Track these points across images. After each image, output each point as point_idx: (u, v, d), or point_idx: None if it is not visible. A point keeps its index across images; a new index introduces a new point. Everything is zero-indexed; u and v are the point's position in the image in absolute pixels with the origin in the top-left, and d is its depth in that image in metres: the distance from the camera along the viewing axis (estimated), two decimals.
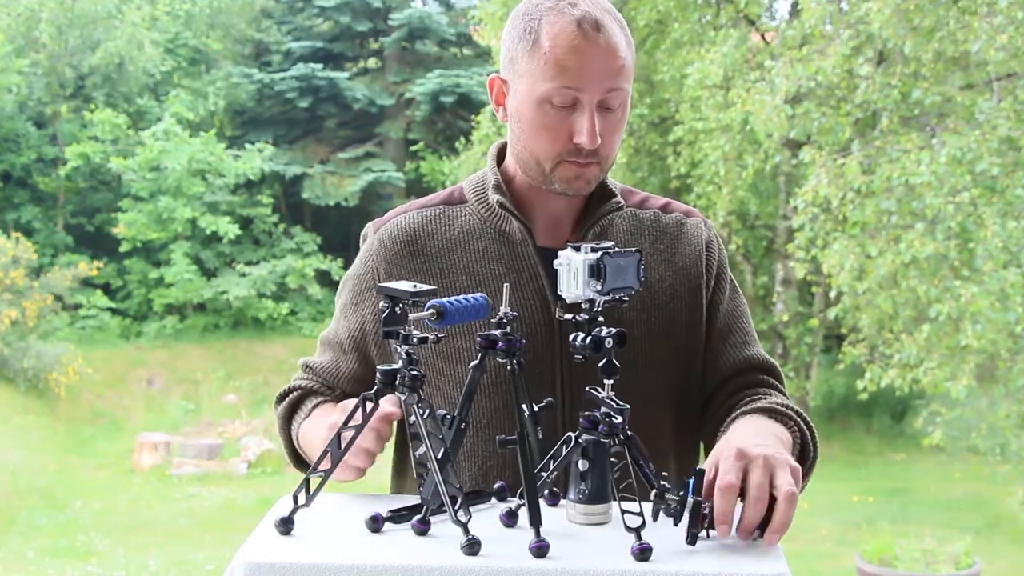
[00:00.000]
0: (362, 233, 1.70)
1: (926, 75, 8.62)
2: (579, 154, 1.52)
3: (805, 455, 1.56)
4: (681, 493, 1.25)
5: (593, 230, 1.61)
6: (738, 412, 1.56)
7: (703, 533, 1.23)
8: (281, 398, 1.72)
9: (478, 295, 1.28)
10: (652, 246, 1.64)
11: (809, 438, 1.56)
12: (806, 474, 1.55)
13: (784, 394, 1.65)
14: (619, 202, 1.64)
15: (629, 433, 1.26)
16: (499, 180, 1.62)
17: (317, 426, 1.55)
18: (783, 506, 1.24)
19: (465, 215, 1.64)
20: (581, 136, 1.49)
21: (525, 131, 1.55)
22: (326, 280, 18.02)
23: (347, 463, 1.37)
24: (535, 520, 1.17)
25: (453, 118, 19.03)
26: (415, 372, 1.24)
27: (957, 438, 9.95)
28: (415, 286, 1.24)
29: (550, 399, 1.36)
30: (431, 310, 1.23)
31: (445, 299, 1.24)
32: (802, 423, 1.57)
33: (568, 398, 1.54)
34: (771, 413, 1.54)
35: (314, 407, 1.65)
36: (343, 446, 1.29)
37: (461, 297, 1.26)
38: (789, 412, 1.56)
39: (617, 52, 1.49)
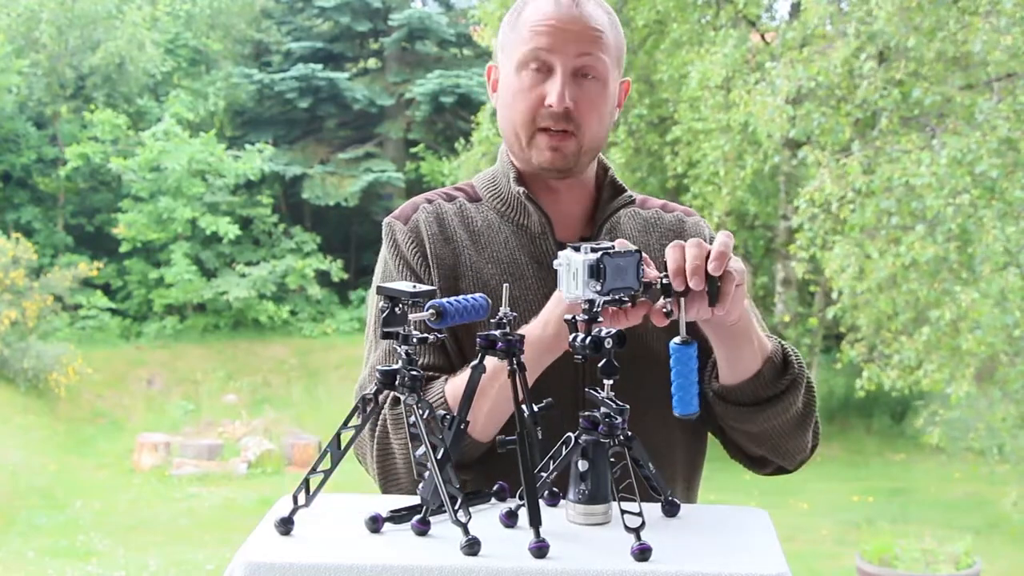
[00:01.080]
0: (385, 232, 1.64)
1: (926, 75, 8.62)
2: (551, 120, 1.55)
3: (788, 366, 1.56)
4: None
5: (605, 225, 1.64)
6: None
7: (701, 535, 1.23)
8: (395, 403, 1.52)
9: (477, 295, 1.28)
10: (659, 242, 1.67)
11: (792, 356, 1.57)
12: (790, 387, 1.55)
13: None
14: (631, 196, 1.67)
15: (629, 433, 1.26)
16: (519, 173, 1.64)
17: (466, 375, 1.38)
18: (720, 238, 1.36)
19: (482, 210, 1.66)
20: (551, 97, 1.53)
21: (506, 102, 1.59)
22: (326, 280, 18.02)
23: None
24: (535, 520, 1.17)
25: (453, 118, 19.03)
26: (415, 372, 1.24)
27: (957, 438, 9.96)
28: (415, 286, 1.24)
29: (550, 399, 1.36)
30: (431, 310, 1.23)
31: (444, 299, 1.24)
32: (785, 346, 1.58)
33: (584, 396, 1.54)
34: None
35: (444, 383, 1.52)
36: (343, 447, 1.29)
37: (460, 297, 1.26)
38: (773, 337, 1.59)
39: (591, 23, 1.55)
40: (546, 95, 1.54)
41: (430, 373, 1.56)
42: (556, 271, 1.57)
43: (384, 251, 1.66)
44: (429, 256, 1.60)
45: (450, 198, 1.68)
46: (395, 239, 1.64)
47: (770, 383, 1.54)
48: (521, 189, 1.61)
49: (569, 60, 1.54)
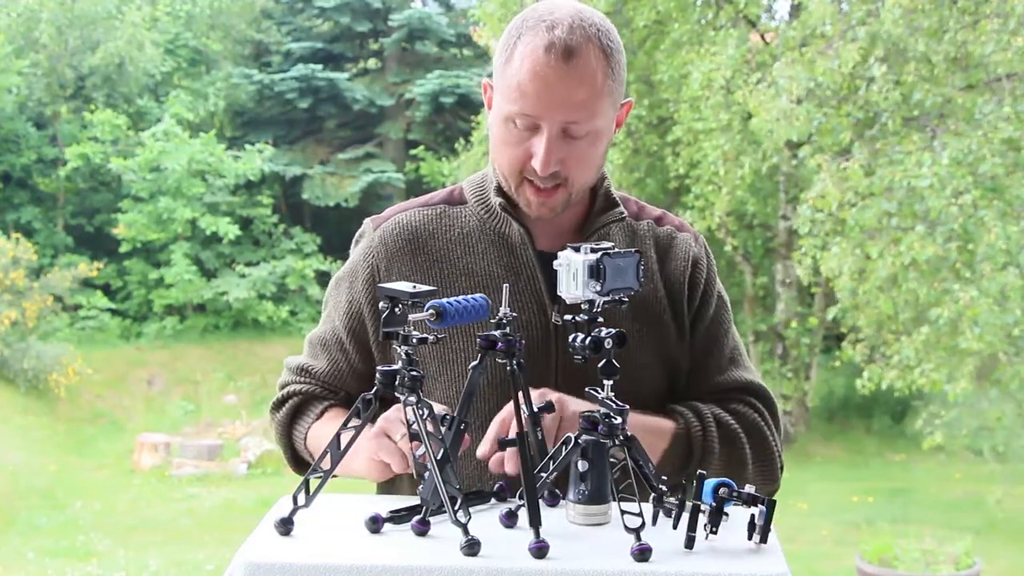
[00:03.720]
0: (360, 230, 1.68)
1: (929, 76, 8.61)
2: (537, 177, 1.51)
3: (692, 446, 1.56)
4: (680, 497, 1.25)
5: (593, 238, 1.61)
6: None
7: (702, 536, 1.23)
8: (279, 404, 1.71)
9: (477, 296, 1.28)
10: (645, 255, 1.64)
11: (700, 437, 1.56)
12: (703, 460, 1.56)
13: (763, 414, 1.65)
14: (622, 212, 1.64)
15: (628, 433, 1.26)
16: (500, 182, 1.62)
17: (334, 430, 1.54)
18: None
19: (465, 216, 1.64)
20: (536, 160, 1.49)
21: (494, 145, 1.56)
22: (326, 281, 17.85)
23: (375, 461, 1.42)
24: (535, 521, 1.18)
25: (453, 119, 19.03)
26: (415, 373, 1.24)
27: (955, 437, 9.95)
28: (415, 287, 1.24)
29: (550, 400, 1.36)
30: (431, 311, 1.23)
31: (444, 300, 1.24)
32: (695, 419, 1.57)
33: None
34: (669, 411, 1.59)
35: (324, 410, 1.66)
36: (343, 447, 1.29)
37: (460, 298, 1.26)
38: (679, 409, 1.59)
39: (583, 83, 1.46)
40: (532, 154, 1.49)
41: (311, 387, 1.68)
42: (531, 284, 1.57)
43: (354, 252, 1.67)
44: (382, 273, 1.61)
45: (431, 205, 1.66)
46: (362, 246, 1.66)
47: (677, 471, 1.55)
48: (500, 200, 1.59)
49: (556, 124, 1.47)
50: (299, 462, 1.70)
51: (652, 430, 1.53)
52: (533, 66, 1.45)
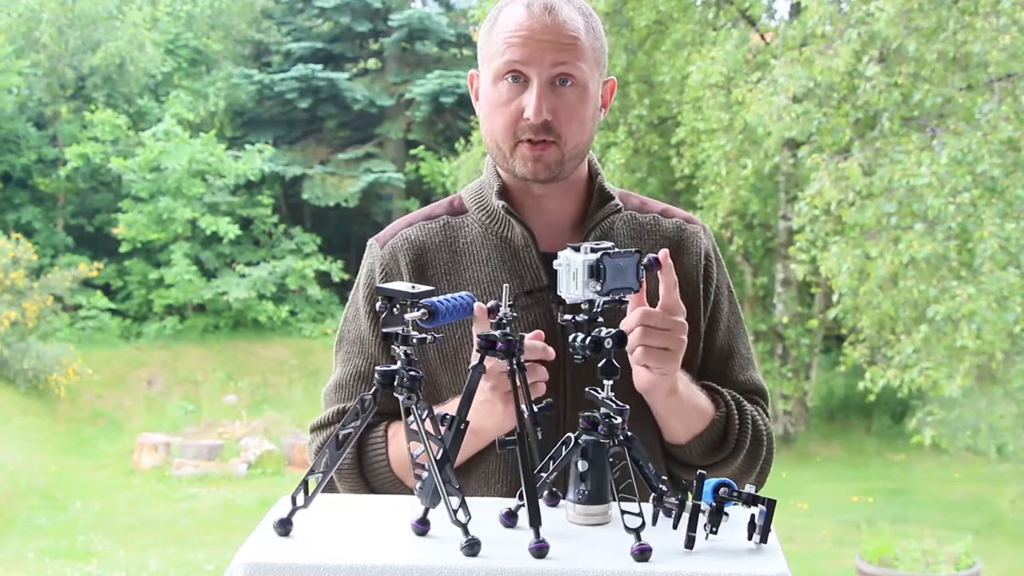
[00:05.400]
0: (366, 253, 1.69)
1: (927, 75, 8.61)
2: (531, 132, 1.53)
3: (728, 438, 1.61)
4: (680, 496, 1.25)
5: (594, 233, 1.62)
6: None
7: (702, 536, 1.23)
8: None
9: (463, 293, 1.28)
10: (652, 250, 1.63)
11: (736, 425, 1.61)
12: (731, 456, 1.61)
13: (767, 422, 1.69)
14: (618, 205, 1.65)
15: (629, 433, 1.26)
16: (502, 185, 1.63)
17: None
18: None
19: (467, 225, 1.65)
20: (528, 110, 1.52)
21: (486, 113, 1.59)
22: (326, 281, 18.02)
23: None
24: (535, 521, 1.17)
25: (453, 119, 19.03)
26: (414, 373, 1.24)
27: (956, 438, 9.95)
28: (413, 286, 1.24)
29: (550, 399, 1.36)
30: (422, 310, 1.23)
31: (435, 298, 1.24)
32: (736, 411, 1.62)
33: (571, 402, 1.54)
34: (711, 389, 1.63)
35: (384, 431, 1.61)
36: (341, 447, 1.29)
37: (450, 296, 1.26)
38: (725, 395, 1.63)
39: (565, 30, 1.53)
40: (524, 107, 1.52)
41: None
42: (536, 285, 1.58)
43: (361, 273, 1.68)
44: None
45: (434, 217, 1.67)
46: (371, 266, 1.66)
47: (699, 457, 1.60)
48: (502, 203, 1.61)
49: (544, 70, 1.52)
50: (375, 489, 1.63)
51: (696, 408, 1.58)
52: (518, 20, 1.54)
